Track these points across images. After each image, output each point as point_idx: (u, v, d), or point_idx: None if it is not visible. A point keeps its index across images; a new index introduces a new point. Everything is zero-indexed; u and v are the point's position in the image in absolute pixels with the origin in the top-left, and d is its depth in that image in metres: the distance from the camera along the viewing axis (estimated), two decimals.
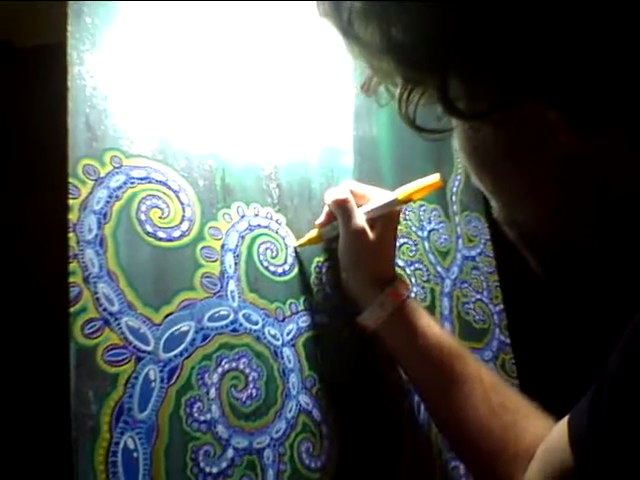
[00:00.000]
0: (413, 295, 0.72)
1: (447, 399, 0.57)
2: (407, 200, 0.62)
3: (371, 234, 0.61)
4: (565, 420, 0.46)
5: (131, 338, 0.49)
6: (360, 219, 0.61)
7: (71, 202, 0.49)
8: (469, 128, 0.38)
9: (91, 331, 0.47)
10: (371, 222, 0.61)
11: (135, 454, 0.47)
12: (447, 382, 0.57)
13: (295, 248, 0.64)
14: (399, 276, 0.68)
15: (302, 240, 0.64)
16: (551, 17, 0.30)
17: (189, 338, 0.53)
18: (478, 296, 0.80)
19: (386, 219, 0.62)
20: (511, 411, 0.55)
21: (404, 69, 0.36)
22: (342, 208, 0.61)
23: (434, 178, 0.61)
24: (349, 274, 0.63)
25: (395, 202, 0.61)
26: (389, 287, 0.61)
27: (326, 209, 0.65)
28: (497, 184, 0.41)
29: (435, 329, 0.60)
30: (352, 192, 0.63)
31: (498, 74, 0.33)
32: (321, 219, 0.64)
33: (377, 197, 0.63)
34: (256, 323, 0.58)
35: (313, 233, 0.64)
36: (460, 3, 0.31)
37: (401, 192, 0.61)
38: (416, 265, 0.74)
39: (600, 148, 0.34)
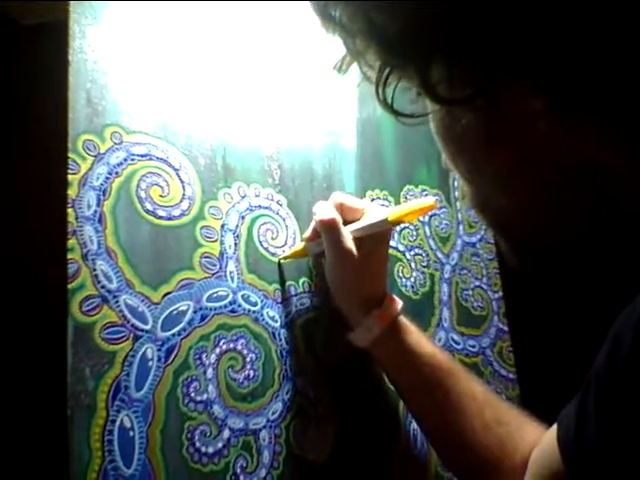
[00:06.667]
0: (413, 280, 0.72)
1: (440, 417, 0.56)
2: (398, 222, 0.58)
3: (358, 255, 0.57)
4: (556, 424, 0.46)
5: (129, 316, 0.49)
6: (346, 240, 0.57)
7: (70, 177, 0.49)
8: (447, 112, 0.38)
9: (89, 308, 0.47)
10: (358, 241, 0.58)
11: (131, 433, 0.47)
12: (439, 400, 0.56)
13: (279, 260, 0.61)
14: (398, 261, 0.67)
15: (287, 253, 0.61)
16: (539, 3, 0.30)
17: (187, 318, 0.52)
18: (477, 283, 0.79)
19: (375, 238, 0.59)
20: (505, 424, 0.54)
21: (385, 54, 0.35)
22: (328, 229, 0.58)
23: (429, 201, 0.56)
24: (336, 293, 0.60)
25: (384, 223, 0.57)
26: (377, 309, 0.58)
27: (313, 223, 0.61)
28: (474, 170, 0.40)
29: (426, 347, 0.58)
30: (342, 205, 0.60)
31: (483, 59, 0.32)
32: (308, 233, 0.61)
33: (368, 213, 0.59)
34: (255, 304, 0.57)
35: (299, 246, 0.62)
36: None
37: (392, 212, 0.57)
38: (416, 250, 0.74)
39: (582, 139, 0.34)
